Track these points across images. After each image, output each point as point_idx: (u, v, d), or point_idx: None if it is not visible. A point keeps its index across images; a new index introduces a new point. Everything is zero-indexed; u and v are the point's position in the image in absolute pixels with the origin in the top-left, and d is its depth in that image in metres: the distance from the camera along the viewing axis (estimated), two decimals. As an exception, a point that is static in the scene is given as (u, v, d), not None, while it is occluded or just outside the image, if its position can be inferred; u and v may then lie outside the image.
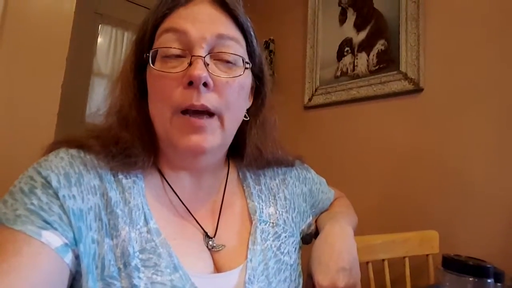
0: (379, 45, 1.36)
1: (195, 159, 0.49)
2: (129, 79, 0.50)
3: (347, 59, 1.48)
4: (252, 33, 0.52)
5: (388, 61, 1.32)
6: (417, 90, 1.22)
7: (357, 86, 1.42)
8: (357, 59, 1.44)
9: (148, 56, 0.46)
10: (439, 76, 1.17)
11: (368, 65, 1.40)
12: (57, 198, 0.40)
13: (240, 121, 0.52)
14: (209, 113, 0.45)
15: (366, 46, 1.41)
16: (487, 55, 1.06)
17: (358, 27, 1.46)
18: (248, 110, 0.55)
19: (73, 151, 0.46)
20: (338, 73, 1.51)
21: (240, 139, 0.56)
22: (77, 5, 1.01)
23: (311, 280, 0.52)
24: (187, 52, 0.45)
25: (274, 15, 1.91)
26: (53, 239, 0.38)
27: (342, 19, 1.53)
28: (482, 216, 1.03)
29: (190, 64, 0.44)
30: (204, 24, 0.46)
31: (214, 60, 0.47)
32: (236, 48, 0.48)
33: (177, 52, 0.46)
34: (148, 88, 0.48)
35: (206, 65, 0.44)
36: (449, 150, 1.12)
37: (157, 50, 0.47)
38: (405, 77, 1.25)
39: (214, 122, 0.46)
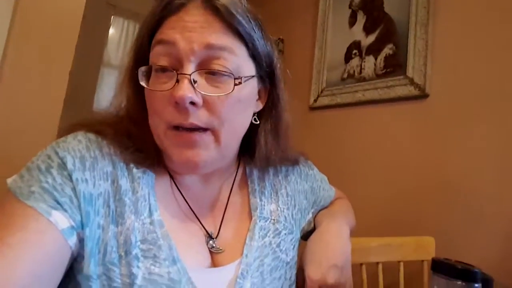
0: (387, 49, 1.35)
1: (193, 171, 0.50)
2: (130, 85, 0.49)
3: (355, 61, 1.48)
4: (254, 35, 0.47)
5: (395, 66, 1.32)
6: (423, 96, 1.21)
7: (363, 89, 1.42)
8: (364, 62, 1.44)
9: (138, 73, 0.45)
10: (445, 83, 1.17)
11: (375, 69, 1.39)
12: (71, 180, 0.41)
13: (241, 132, 0.50)
14: (202, 129, 0.44)
15: (374, 49, 1.41)
16: (496, 64, 1.05)
17: (367, 30, 1.45)
18: (259, 113, 0.53)
19: (91, 135, 0.47)
20: (345, 75, 1.51)
21: (250, 141, 0.54)
22: (89, -5, 1.03)
23: (302, 273, 0.52)
24: (175, 67, 0.43)
25: (285, 16, 1.91)
26: (61, 220, 0.39)
27: (352, 21, 1.53)
28: (480, 226, 1.02)
29: (178, 81, 0.42)
30: (193, 33, 0.43)
31: (205, 74, 0.44)
32: (229, 59, 0.44)
33: (166, 66, 0.44)
34: (145, 99, 0.47)
35: (194, 82, 0.42)
36: (451, 158, 1.12)
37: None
38: (411, 82, 1.24)
39: (207, 137, 0.44)
